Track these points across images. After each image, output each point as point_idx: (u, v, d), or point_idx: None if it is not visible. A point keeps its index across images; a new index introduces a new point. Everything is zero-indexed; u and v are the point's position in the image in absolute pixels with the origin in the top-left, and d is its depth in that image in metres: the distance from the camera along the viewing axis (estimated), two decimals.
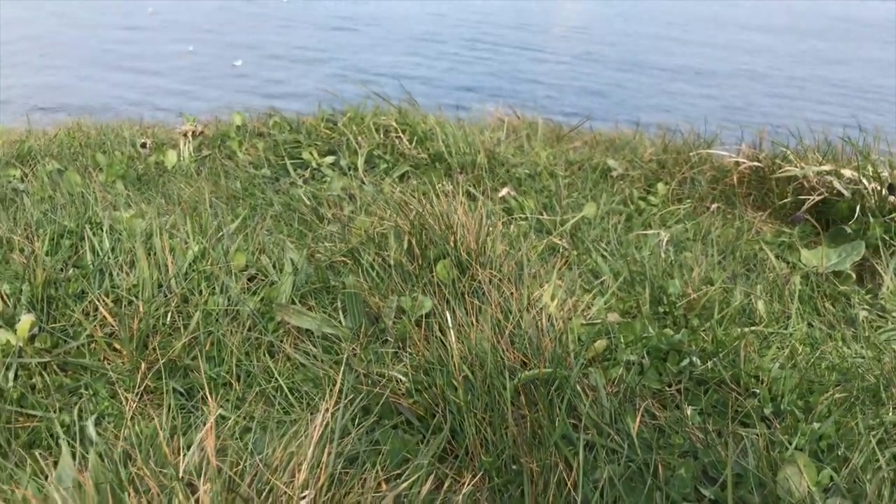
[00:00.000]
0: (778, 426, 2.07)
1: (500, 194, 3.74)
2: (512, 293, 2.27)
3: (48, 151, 3.68)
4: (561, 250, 3.10)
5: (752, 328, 2.57)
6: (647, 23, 20.17)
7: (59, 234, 2.54)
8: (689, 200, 3.94)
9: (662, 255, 3.12)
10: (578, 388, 1.98)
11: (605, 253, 3.11)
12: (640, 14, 21.91)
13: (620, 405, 2.01)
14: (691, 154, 4.27)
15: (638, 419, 1.93)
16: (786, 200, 3.75)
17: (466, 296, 2.22)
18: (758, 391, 2.17)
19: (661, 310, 2.65)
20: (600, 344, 2.18)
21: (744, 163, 4.00)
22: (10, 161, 3.35)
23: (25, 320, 2.02)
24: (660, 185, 4.04)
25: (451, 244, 2.33)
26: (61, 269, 2.33)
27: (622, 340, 2.27)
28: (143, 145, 4.16)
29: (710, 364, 2.24)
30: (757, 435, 2.01)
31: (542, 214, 3.47)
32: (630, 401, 2.05)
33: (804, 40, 18.13)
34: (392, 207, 3.03)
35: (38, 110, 9.30)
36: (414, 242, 2.38)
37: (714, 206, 3.88)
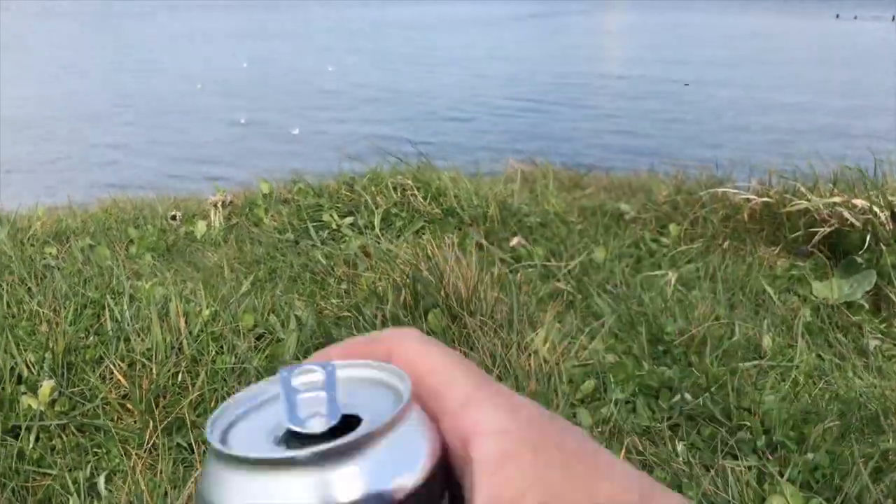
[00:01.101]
0: (770, 458, 2.09)
1: (511, 244, 3.84)
2: (502, 338, 2.35)
3: (84, 229, 3.94)
4: (566, 295, 3.17)
5: (754, 362, 2.59)
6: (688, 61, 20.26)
7: (83, 304, 2.73)
8: (701, 240, 3.97)
9: (669, 294, 3.16)
10: None
11: (608, 295, 3.17)
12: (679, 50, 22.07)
13: (607, 443, 2.05)
14: (702, 193, 4.31)
15: (622, 455, 1.97)
16: (797, 234, 3.76)
17: (457, 343, 2.30)
18: (750, 424, 2.19)
19: (660, 348, 2.69)
20: (588, 384, 2.24)
21: (754, 199, 4.02)
22: (48, 240, 3.60)
23: (46, 386, 2.18)
24: (672, 227, 4.08)
25: (442, 294, 2.43)
26: (82, 337, 2.50)
27: (612, 380, 2.32)
28: (174, 217, 4.40)
29: (701, 400, 2.27)
30: (748, 468, 2.03)
31: (548, 261, 3.55)
32: (617, 439, 2.09)
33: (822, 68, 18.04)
34: (394, 264, 3.15)
35: (86, 186, 9.83)
36: (408, 295, 2.49)
37: (726, 243, 3.90)
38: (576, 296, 3.19)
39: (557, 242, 3.87)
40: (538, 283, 3.27)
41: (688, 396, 2.29)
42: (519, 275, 3.37)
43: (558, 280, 3.34)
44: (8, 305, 2.78)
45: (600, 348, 2.60)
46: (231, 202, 4.86)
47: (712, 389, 2.31)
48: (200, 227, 4.30)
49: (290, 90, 18.28)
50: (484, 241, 3.83)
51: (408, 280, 2.54)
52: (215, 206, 4.75)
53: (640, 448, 2.07)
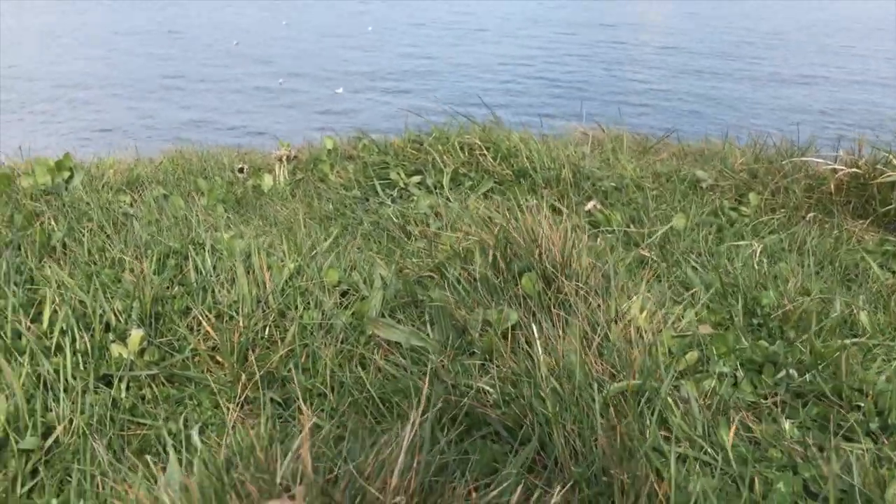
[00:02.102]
0: (886, 442, 1.98)
1: (586, 208, 3.72)
2: (599, 305, 2.26)
3: (154, 178, 3.91)
4: (649, 263, 3.06)
5: (855, 340, 2.46)
6: (728, 29, 19.63)
7: (165, 254, 2.70)
8: (782, 210, 3.81)
9: (755, 266, 3.04)
10: (669, 400, 1.95)
11: (695, 264, 3.05)
12: (720, 18, 21.36)
13: (713, 417, 1.97)
14: (784, 163, 4.14)
15: (732, 431, 1.88)
16: (889, 207, 3.58)
17: (552, 308, 2.22)
18: (862, 405, 2.08)
19: (754, 322, 2.58)
20: (692, 356, 2.14)
21: (841, 170, 3.84)
22: (121, 188, 3.58)
23: (136, 335, 2.16)
24: (751, 196, 3.92)
25: (536, 257, 2.34)
26: (167, 287, 2.47)
27: (714, 352, 2.23)
28: (241, 170, 4.36)
29: (808, 377, 2.16)
30: (862, 450, 1.92)
31: (629, 227, 3.43)
32: (723, 413, 2.00)
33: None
34: (476, 223, 3.07)
35: (143, 138, 9.88)
36: (499, 256, 2.41)
37: (810, 215, 3.74)
38: (660, 264, 3.08)
39: (634, 208, 3.75)
40: (620, 250, 3.17)
41: (793, 372, 2.19)
42: (599, 240, 3.27)
43: (639, 247, 3.23)
44: (89, 252, 2.76)
45: (694, 320, 2.50)
46: (295, 157, 4.81)
47: (820, 366, 2.20)
48: (267, 180, 4.26)
49: (329, 51, 18.14)
50: (558, 205, 3.72)
51: (499, 241, 2.46)
52: (280, 160, 4.70)
53: (748, 424, 1.98)
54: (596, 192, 3.95)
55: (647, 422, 1.85)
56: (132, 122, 10.88)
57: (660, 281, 2.87)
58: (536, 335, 2.02)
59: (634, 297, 2.40)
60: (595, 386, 1.89)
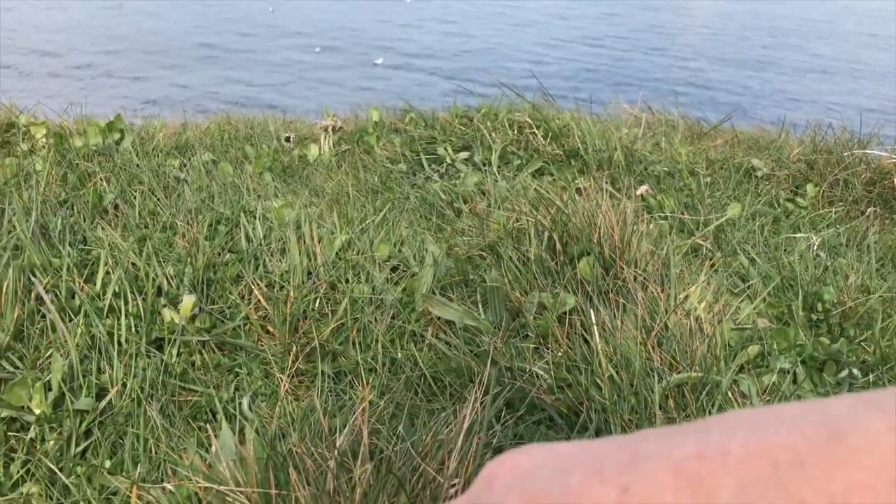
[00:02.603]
0: None
1: (638, 192, 3.64)
2: (658, 293, 2.20)
3: (202, 143, 3.91)
4: (704, 251, 2.99)
5: None
6: (781, 17, 19.14)
7: (217, 220, 2.68)
8: (841, 204, 3.70)
9: (814, 259, 2.94)
10: (730, 394, 1.89)
11: (752, 255, 2.97)
12: (771, 7, 20.82)
13: None
14: (845, 154, 4.00)
15: None
16: None
17: (610, 294, 2.17)
18: None
19: (813, 317, 2.50)
20: (752, 349, 2.08)
21: None
22: (171, 151, 3.58)
23: (188, 301, 2.15)
24: (809, 187, 3.81)
25: (595, 241, 2.29)
26: (219, 254, 2.46)
27: (775, 347, 2.16)
28: (288, 139, 4.34)
29: (871, 377, 2.09)
30: None
31: (683, 214, 3.35)
32: None
33: None
34: (529, 203, 3.01)
35: (183, 104, 9.92)
36: (556, 238, 2.35)
37: (870, 210, 3.62)
38: (715, 253, 3.00)
39: (687, 195, 3.66)
40: (674, 237, 3.09)
41: (856, 372, 2.11)
42: (652, 226, 3.19)
43: (694, 235, 3.15)
44: (140, 215, 2.76)
45: (752, 312, 2.43)
46: (341, 128, 4.77)
47: (885, 367, 2.12)
48: (313, 150, 4.23)
49: (367, 20, 18.01)
50: (610, 187, 3.65)
51: (556, 222, 2.40)
52: (325, 130, 4.66)
53: None
54: (648, 176, 3.87)
55: (708, 416, 1.80)
56: (168, 90, 10.92)
57: (716, 271, 2.79)
58: (594, 321, 1.97)
59: (693, 287, 2.34)
60: (654, 376, 1.84)
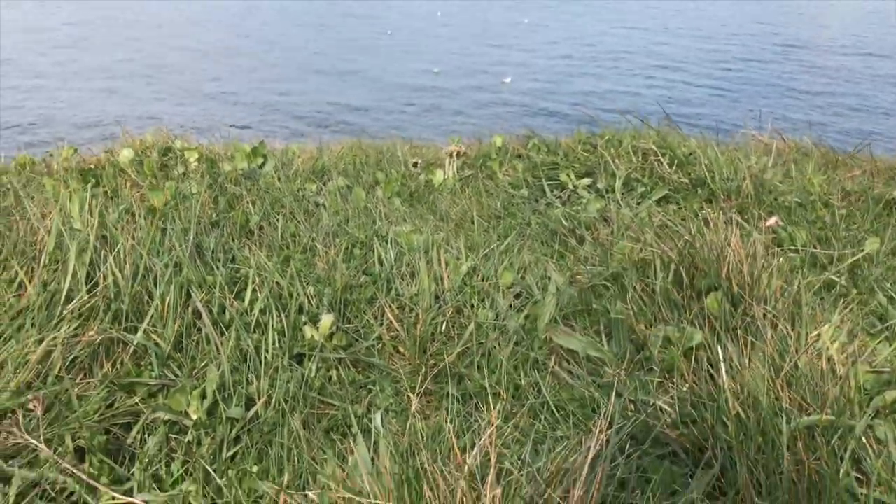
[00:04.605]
0: None
1: (768, 223, 3.55)
2: (788, 331, 2.16)
3: (337, 168, 4.13)
4: (838, 288, 2.88)
5: None
6: None
7: (352, 244, 2.85)
8: None
9: None
10: (864, 439, 1.84)
11: (891, 294, 2.84)
12: None
13: None
14: None
15: None
16: None
17: (738, 331, 2.15)
18: None
19: None
20: (891, 394, 2.01)
21: None
22: (309, 176, 3.81)
23: (326, 319, 2.30)
24: None
25: (724, 276, 2.27)
26: (354, 276, 2.61)
27: None
28: (416, 164, 4.51)
29: None
30: None
31: (815, 247, 3.24)
32: None
33: None
34: (654, 233, 3.01)
35: (314, 124, 10.42)
36: (682, 271, 2.36)
37: None
38: (850, 290, 2.89)
39: (820, 227, 3.53)
40: (805, 272, 3.00)
41: None
42: (782, 260, 3.11)
43: (827, 270, 3.05)
44: (282, 236, 2.97)
45: (892, 355, 2.33)
46: (465, 153, 4.91)
47: None
48: (438, 175, 4.37)
49: (485, 42, 18.23)
50: (738, 218, 3.58)
51: (682, 255, 2.40)
52: (450, 155, 4.81)
53: None
54: (778, 207, 3.76)
55: (840, 461, 1.76)
56: (305, 110, 11.49)
57: (850, 309, 2.69)
58: (721, 357, 1.97)
59: (826, 326, 2.27)
60: (783, 417, 1.82)
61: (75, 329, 2.10)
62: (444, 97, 12.54)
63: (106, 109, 11.03)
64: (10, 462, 1.75)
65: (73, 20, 18.92)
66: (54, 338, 2.04)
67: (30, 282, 2.23)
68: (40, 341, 2.03)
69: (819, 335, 2.24)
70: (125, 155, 3.61)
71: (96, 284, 2.28)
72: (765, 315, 2.20)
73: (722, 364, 1.95)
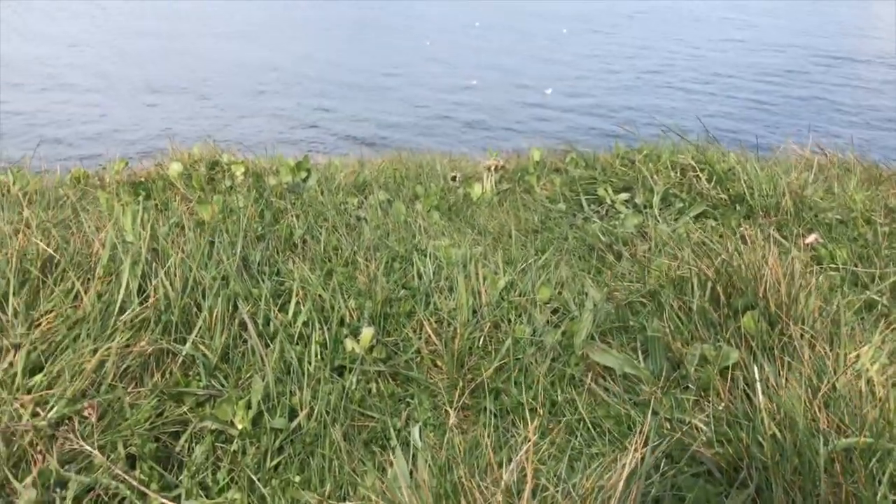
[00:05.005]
0: None
1: (807, 241, 3.53)
2: (826, 352, 2.16)
3: (377, 181, 4.21)
4: (879, 308, 2.86)
5: None
6: None
7: (392, 258, 2.91)
8: None
9: None
10: None
11: None
12: None
13: None
14: None
15: None
16: None
17: (775, 350, 2.16)
18: None
19: None
20: None
21: None
22: (351, 190, 3.89)
23: (367, 333, 2.36)
24: None
25: (761, 294, 2.28)
26: (394, 290, 2.67)
27: None
28: (454, 178, 4.57)
29: None
30: None
31: (856, 266, 3.22)
32: None
33: None
34: (691, 250, 3.02)
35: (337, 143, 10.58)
36: (719, 289, 2.37)
37: None
38: (891, 309, 2.86)
39: (862, 245, 3.50)
40: (846, 290, 2.98)
41: None
42: (822, 278, 3.10)
43: (868, 290, 3.02)
44: (325, 249, 3.04)
45: None
46: (503, 167, 4.96)
47: None
48: (476, 189, 4.42)
49: (523, 53, 18.28)
50: (777, 235, 3.56)
51: (719, 273, 2.42)
52: (488, 169, 4.86)
53: None
54: (818, 224, 3.74)
55: (878, 484, 1.76)
56: (343, 124, 11.66)
57: (893, 329, 2.67)
58: (757, 377, 1.98)
59: (865, 347, 2.27)
60: (820, 438, 1.82)
61: (128, 339, 2.19)
62: (481, 111, 12.59)
63: (151, 123, 11.32)
64: (67, 467, 1.84)
65: (110, 35, 19.48)
66: (108, 348, 2.13)
67: (85, 293, 2.33)
68: (95, 351, 2.12)
69: (858, 356, 2.24)
70: (174, 168, 3.73)
71: (148, 297, 2.38)
72: (802, 335, 2.20)
73: (758, 384, 1.96)
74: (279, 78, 14.85)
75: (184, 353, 2.22)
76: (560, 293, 2.75)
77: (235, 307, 2.48)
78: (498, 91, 14.18)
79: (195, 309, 2.41)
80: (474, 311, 2.55)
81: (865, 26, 22.39)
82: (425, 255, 2.95)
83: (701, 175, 4.18)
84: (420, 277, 2.78)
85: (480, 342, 2.43)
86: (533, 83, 14.72)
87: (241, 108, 12.67)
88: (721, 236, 3.67)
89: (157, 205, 3.43)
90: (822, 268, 3.24)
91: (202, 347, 2.25)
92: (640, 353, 2.33)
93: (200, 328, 2.31)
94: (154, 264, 2.48)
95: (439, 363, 2.34)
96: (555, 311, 2.66)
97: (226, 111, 12.37)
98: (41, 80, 13.93)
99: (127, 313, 2.29)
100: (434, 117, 12.18)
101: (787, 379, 2.04)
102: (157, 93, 13.51)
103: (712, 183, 4.10)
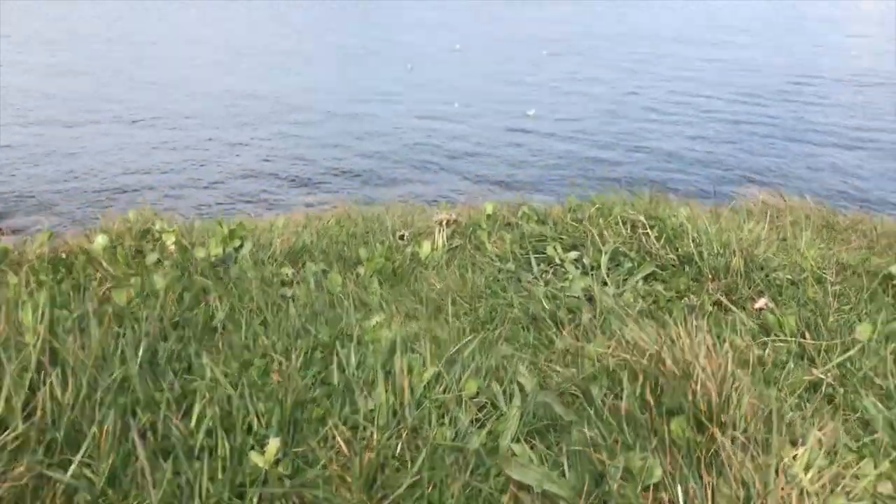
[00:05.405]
0: None
1: (756, 306, 3.42)
2: (759, 458, 2.02)
3: (318, 246, 4.05)
4: (825, 387, 2.73)
5: None
6: None
7: (314, 346, 2.76)
8: None
9: None
10: None
11: (881, 393, 2.69)
12: None
13: None
14: None
15: None
16: None
17: (702, 462, 2.02)
18: None
19: None
20: None
21: None
22: (284, 260, 3.74)
23: (272, 445, 2.20)
24: None
25: (689, 397, 2.14)
26: (310, 387, 2.51)
27: None
28: (402, 237, 4.42)
29: None
30: None
31: (804, 336, 3.10)
32: None
33: None
34: (634, 321, 2.88)
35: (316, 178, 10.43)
36: (647, 390, 2.23)
37: None
38: (837, 389, 2.74)
39: (811, 309, 3.38)
40: (791, 367, 2.86)
41: None
42: (767, 351, 2.97)
43: (814, 364, 2.90)
44: (245, 336, 2.88)
45: (872, 476, 2.18)
46: (456, 220, 4.82)
47: None
48: (425, 247, 4.28)
49: (505, 76, 18.32)
50: (725, 301, 3.45)
51: (647, 373, 2.28)
52: (440, 224, 4.72)
53: None
54: (769, 285, 3.62)
55: None
56: (315, 159, 11.48)
57: (835, 415, 2.54)
58: (681, 499, 1.83)
59: (801, 449, 2.13)
60: None
61: (4, 466, 2.02)
62: (461, 138, 12.43)
63: (116, 163, 11.08)
64: None
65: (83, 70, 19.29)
66: None
67: None
68: None
69: (795, 457, 2.10)
70: (99, 243, 3.56)
71: (34, 411, 2.20)
72: (733, 440, 2.06)
73: None
74: (257, 110, 14.70)
75: (65, 481, 2.04)
76: (489, 386, 2.60)
77: (135, 414, 2.31)
78: (479, 117, 14.11)
79: (86, 423, 2.23)
80: (395, 412, 2.40)
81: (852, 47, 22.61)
82: (352, 340, 2.80)
83: (650, 232, 4.06)
84: (343, 371, 2.62)
85: (398, 450, 2.27)
86: (515, 106, 14.71)
87: (215, 140, 12.49)
88: (670, 300, 3.55)
89: (74, 285, 3.25)
90: (770, 339, 3.11)
91: (87, 472, 2.08)
92: (566, 460, 2.18)
93: (88, 447, 2.13)
94: (43, 373, 2.30)
95: (349, 479, 2.18)
96: (482, 408, 2.50)
97: (198, 145, 12.18)
98: None
99: (7, 433, 2.11)
100: (412, 144, 12.04)
101: (713, 497, 1.90)
102: (129, 125, 13.33)
103: (662, 241, 3.98)
